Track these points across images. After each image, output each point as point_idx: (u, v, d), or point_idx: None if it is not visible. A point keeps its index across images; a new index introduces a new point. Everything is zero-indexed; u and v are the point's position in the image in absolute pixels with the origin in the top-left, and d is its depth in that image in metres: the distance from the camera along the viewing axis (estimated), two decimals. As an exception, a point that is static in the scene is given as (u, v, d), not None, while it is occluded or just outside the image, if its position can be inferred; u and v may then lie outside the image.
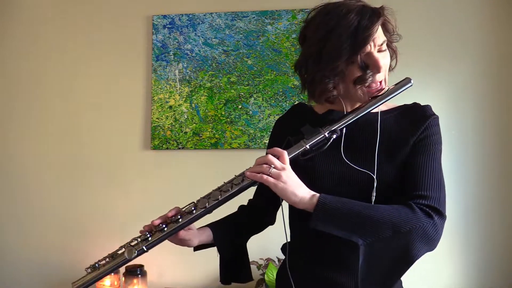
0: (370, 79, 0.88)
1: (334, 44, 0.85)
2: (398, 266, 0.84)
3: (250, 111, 2.11)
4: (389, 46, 0.93)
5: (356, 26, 0.84)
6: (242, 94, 2.12)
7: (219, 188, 0.90)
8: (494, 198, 2.01)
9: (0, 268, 2.22)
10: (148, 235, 0.91)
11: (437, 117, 0.94)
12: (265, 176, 0.83)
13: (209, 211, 0.90)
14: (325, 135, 0.88)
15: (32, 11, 2.28)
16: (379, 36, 0.88)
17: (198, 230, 1.02)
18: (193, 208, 0.90)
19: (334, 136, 0.88)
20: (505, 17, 2.05)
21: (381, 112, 0.96)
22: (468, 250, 2.01)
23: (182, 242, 0.98)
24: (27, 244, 2.20)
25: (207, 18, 2.16)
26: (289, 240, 1.00)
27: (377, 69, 0.87)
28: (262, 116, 2.10)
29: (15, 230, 2.22)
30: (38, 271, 2.19)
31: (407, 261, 0.82)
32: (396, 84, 0.93)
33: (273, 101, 2.10)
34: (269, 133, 1.29)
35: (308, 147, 0.87)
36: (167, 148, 2.14)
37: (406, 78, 0.94)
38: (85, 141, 2.21)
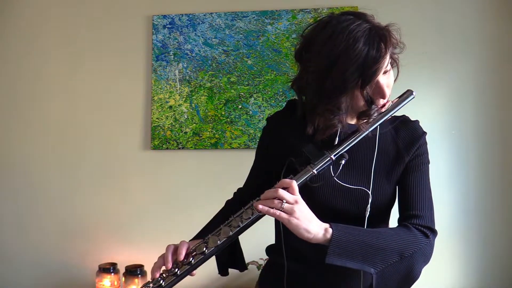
0: (375, 114, 0.87)
1: (339, 76, 0.80)
2: (403, 286, 0.87)
3: (250, 111, 2.11)
4: (391, 57, 0.88)
5: (364, 57, 0.79)
6: (242, 94, 2.12)
7: (228, 223, 0.86)
8: (494, 198, 2.01)
9: (0, 268, 2.22)
10: (161, 281, 0.85)
11: (426, 134, 0.96)
12: (278, 212, 0.79)
13: (220, 248, 0.86)
14: (332, 158, 0.85)
15: (32, 11, 2.28)
16: (386, 62, 0.83)
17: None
18: (204, 248, 0.85)
19: (343, 162, 0.86)
20: (505, 17, 2.05)
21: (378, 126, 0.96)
22: (468, 250, 2.01)
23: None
24: (27, 244, 2.20)
25: (207, 18, 2.16)
26: (279, 240, 0.99)
27: (382, 96, 0.86)
28: (262, 116, 2.10)
29: (15, 230, 2.22)
30: (38, 271, 2.18)
31: (411, 281, 0.86)
32: (399, 98, 0.92)
33: (273, 101, 2.10)
34: None
35: (316, 172, 0.85)
36: (167, 148, 2.14)
37: (408, 90, 0.92)
38: (85, 141, 2.21)
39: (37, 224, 2.20)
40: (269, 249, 1.05)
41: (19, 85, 2.26)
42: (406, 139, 0.94)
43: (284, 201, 0.80)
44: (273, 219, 0.98)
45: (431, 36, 2.07)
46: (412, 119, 0.99)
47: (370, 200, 0.89)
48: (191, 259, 0.85)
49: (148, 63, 2.20)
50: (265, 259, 1.88)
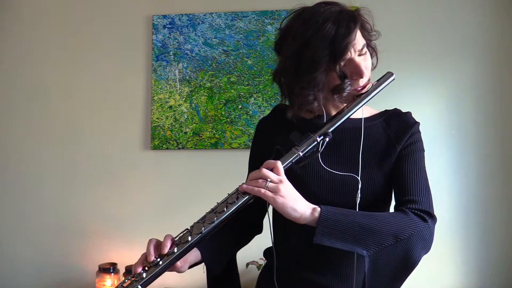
0: (348, 88, 0.87)
1: (311, 55, 0.84)
2: (400, 273, 0.84)
3: (250, 111, 2.11)
4: (368, 45, 0.92)
5: (333, 35, 0.82)
6: (242, 94, 2.12)
7: (213, 209, 0.83)
8: (494, 198, 2.01)
9: (0, 268, 2.22)
10: (143, 273, 0.81)
11: (419, 124, 0.96)
12: (263, 190, 0.79)
13: (205, 236, 0.82)
14: (316, 139, 0.85)
15: (32, 11, 2.28)
16: (358, 40, 0.86)
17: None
18: (189, 237, 0.82)
19: (327, 139, 0.86)
20: (506, 17, 2.05)
21: (365, 119, 0.97)
22: (468, 250, 2.01)
23: (173, 269, 0.89)
24: (27, 245, 2.20)
25: (207, 18, 2.16)
26: (276, 243, 0.98)
27: (359, 74, 0.87)
28: (262, 116, 2.09)
29: (15, 231, 2.22)
30: (38, 271, 2.18)
31: (409, 267, 0.83)
32: (378, 80, 0.93)
33: (273, 101, 2.10)
34: None
35: (301, 154, 0.84)
36: (167, 148, 2.14)
37: (388, 72, 0.94)
38: (85, 141, 2.21)
39: (37, 224, 2.20)
40: (266, 252, 1.05)
41: (18, 85, 2.26)
42: (397, 129, 0.94)
43: (269, 180, 0.79)
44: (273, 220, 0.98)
45: (431, 37, 2.07)
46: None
47: (359, 187, 0.88)
48: (174, 249, 0.81)
49: (148, 63, 2.20)
50: (265, 260, 1.88)
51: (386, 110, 0.99)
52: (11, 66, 2.27)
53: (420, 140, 0.94)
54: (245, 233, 1.07)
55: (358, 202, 0.87)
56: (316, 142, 0.85)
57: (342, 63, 0.85)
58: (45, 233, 2.19)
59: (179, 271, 0.89)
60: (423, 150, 0.94)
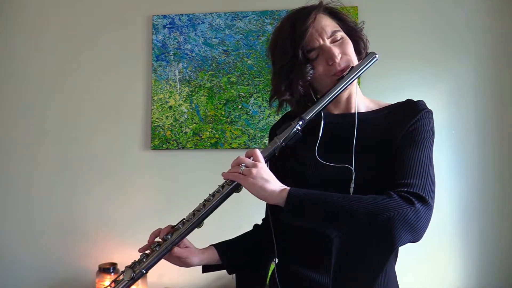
0: (310, 72, 0.91)
1: (279, 48, 0.93)
2: (377, 256, 0.82)
3: (250, 111, 2.11)
4: (352, 35, 0.95)
5: (294, 25, 0.90)
6: (242, 94, 2.12)
7: (204, 200, 0.92)
8: (494, 198, 2.01)
9: (0, 269, 2.22)
10: (143, 258, 0.92)
11: (430, 111, 0.92)
12: (236, 174, 0.85)
13: (197, 224, 0.91)
14: (297, 127, 0.88)
15: (32, 11, 2.28)
16: (325, 28, 0.90)
17: (200, 249, 1.00)
18: (181, 225, 0.92)
19: (301, 122, 0.89)
20: (506, 17, 2.05)
21: (372, 111, 0.96)
22: (468, 250, 2.01)
23: (180, 261, 0.97)
24: (27, 245, 2.20)
25: (207, 18, 2.16)
26: (286, 243, 0.99)
27: (331, 58, 0.89)
28: (262, 116, 2.10)
29: (15, 231, 2.22)
30: (38, 271, 2.18)
31: (388, 247, 0.81)
32: (361, 61, 0.93)
33: (273, 101, 2.10)
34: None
35: (282, 143, 0.87)
36: (167, 148, 2.14)
37: (371, 52, 0.94)
38: (84, 141, 2.21)
39: (37, 224, 2.20)
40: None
41: (18, 85, 2.26)
42: (402, 117, 0.91)
43: (244, 164, 0.85)
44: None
45: (431, 36, 2.07)
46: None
47: (353, 177, 0.86)
48: (169, 235, 0.91)
49: (148, 63, 2.20)
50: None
51: (398, 102, 0.97)
52: (11, 66, 2.27)
53: (427, 126, 0.89)
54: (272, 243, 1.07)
55: (351, 192, 0.86)
56: (295, 129, 0.88)
57: (313, 53, 0.90)
58: (45, 233, 2.19)
59: (187, 264, 0.96)
60: (432, 136, 0.89)
